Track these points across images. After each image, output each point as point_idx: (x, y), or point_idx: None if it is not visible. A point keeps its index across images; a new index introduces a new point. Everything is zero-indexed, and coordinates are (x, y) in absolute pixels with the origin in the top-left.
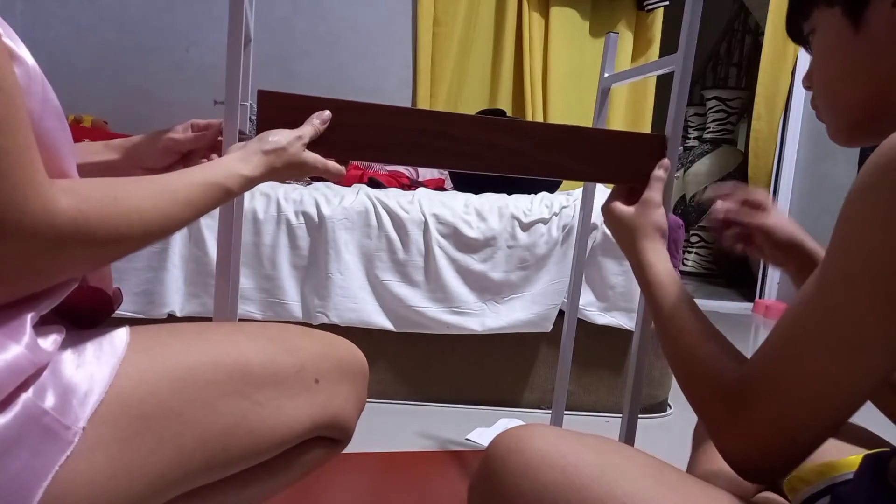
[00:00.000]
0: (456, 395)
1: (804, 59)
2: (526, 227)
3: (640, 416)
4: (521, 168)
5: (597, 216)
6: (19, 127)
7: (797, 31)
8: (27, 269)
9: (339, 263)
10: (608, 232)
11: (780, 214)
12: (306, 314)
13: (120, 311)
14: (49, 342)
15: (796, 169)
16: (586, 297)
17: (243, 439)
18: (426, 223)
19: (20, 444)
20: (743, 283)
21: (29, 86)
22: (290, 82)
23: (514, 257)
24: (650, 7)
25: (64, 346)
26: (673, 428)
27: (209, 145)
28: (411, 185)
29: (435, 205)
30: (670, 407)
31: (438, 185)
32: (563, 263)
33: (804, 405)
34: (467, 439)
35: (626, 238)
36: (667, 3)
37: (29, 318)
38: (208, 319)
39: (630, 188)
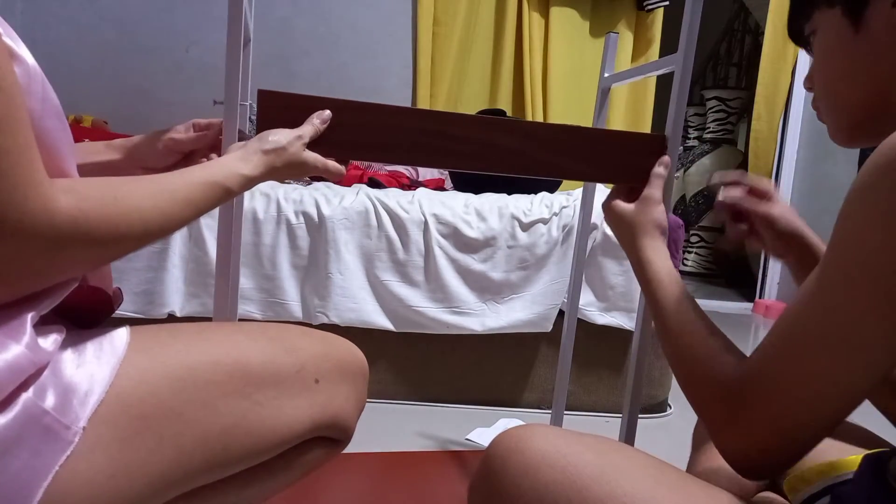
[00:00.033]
0: (456, 395)
1: (804, 59)
2: (526, 227)
3: (640, 416)
4: (522, 168)
5: (597, 216)
6: (19, 126)
7: (798, 32)
8: (27, 269)
9: (339, 263)
10: (608, 232)
11: (784, 205)
12: (306, 314)
13: (120, 311)
14: (49, 342)
15: (796, 169)
16: (586, 297)
17: (243, 439)
18: (426, 223)
19: (20, 444)
20: (743, 283)
21: (29, 85)
22: (290, 82)
23: (514, 257)
24: (650, 7)
25: (64, 345)
26: (673, 428)
27: (210, 145)
28: (411, 185)
29: (435, 205)
30: (670, 407)
31: (438, 185)
32: (563, 263)
33: (804, 404)
34: (467, 439)
35: (626, 235)
36: (667, 3)
37: (29, 318)
38: (208, 319)
39: (631, 187)
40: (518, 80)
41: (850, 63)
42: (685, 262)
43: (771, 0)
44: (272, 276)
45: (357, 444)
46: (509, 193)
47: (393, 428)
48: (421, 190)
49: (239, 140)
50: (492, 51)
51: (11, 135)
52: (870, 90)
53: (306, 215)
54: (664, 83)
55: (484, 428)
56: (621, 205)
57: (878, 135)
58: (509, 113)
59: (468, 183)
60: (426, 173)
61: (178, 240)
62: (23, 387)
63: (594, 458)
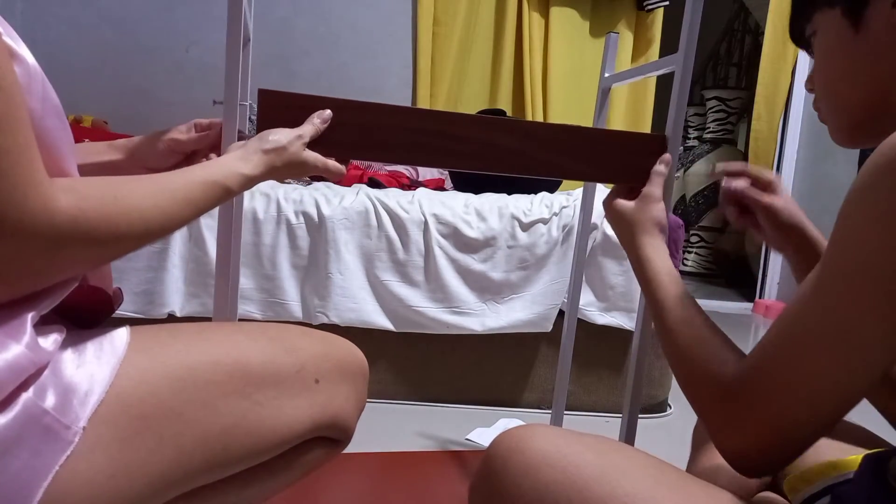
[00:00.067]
0: (456, 395)
1: (804, 59)
2: (526, 227)
3: (640, 416)
4: (522, 168)
5: (597, 216)
6: (19, 126)
7: (799, 33)
8: (27, 268)
9: (339, 263)
10: (608, 232)
11: (787, 197)
12: (306, 314)
13: (120, 311)
14: (49, 342)
15: (796, 169)
16: (586, 297)
17: (243, 439)
18: (426, 223)
19: (20, 444)
20: (743, 283)
21: (29, 84)
22: (291, 82)
23: (514, 257)
24: (650, 7)
25: (64, 345)
26: (673, 428)
27: (212, 145)
28: (411, 185)
29: (435, 205)
30: (670, 407)
31: (438, 185)
32: (563, 263)
33: (803, 403)
34: (467, 439)
35: (626, 233)
36: (667, 3)
37: (29, 318)
38: (208, 319)
39: (631, 186)
40: (518, 80)
41: (851, 63)
42: (685, 262)
43: (771, 0)
44: (272, 276)
45: (357, 444)
46: (509, 193)
47: (393, 428)
48: (421, 190)
49: (239, 140)
50: (492, 51)
51: (11, 134)
52: (870, 90)
53: (306, 215)
54: (664, 83)
55: (484, 428)
56: (621, 202)
57: (878, 135)
58: (509, 113)
59: (468, 183)
60: (426, 173)
61: (178, 240)
62: (23, 387)
63: (595, 458)
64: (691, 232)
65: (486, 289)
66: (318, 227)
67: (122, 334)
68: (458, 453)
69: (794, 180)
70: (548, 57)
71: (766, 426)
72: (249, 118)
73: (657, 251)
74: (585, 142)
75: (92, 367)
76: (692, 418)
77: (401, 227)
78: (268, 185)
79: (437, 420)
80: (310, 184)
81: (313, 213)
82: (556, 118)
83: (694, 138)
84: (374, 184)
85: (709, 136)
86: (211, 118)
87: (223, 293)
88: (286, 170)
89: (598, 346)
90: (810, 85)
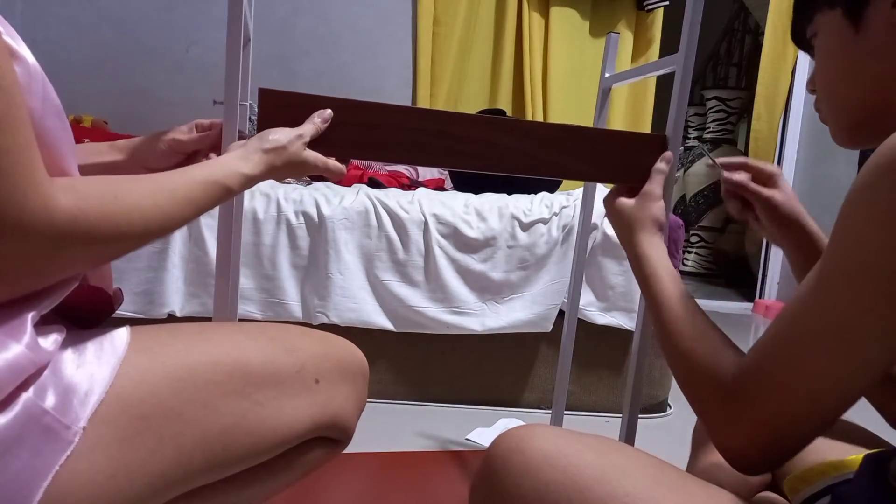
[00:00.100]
0: (456, 395)
1: (804, 59)
2: (526, 227)
3: (640, 416)
4: (522, 168)
5: (597, 216)
6: (19, 125)
7: (801, 35)
8: (27, 268)
9: (339, 263)
10: (609, 232)
11: (788, 191)
12: (306, 314)
13: (120, 311)
14: (49, 342)
15: (796, 169)
16: (586, 297)
17: (243, 439)
18: (426, 223)
19: (21, 444)
20: (743, 283)
21: (29, 84)
22: (291, 82)
23: (514, 257)
24: (650, 7)
25: (64, 345)
26: (673, 428)
27: (212, 145)
28: (411, 185)
29: (435, 205)
30: (670, 407)
31: (438, 185)
32: (563, 263)
33: (801, 402)
34: (467, 439)
35: (625, 231)
36: (667, 3)
37: (30, 318)
38: (208, 319)
39: (632, 186)
40: (518, 80)
41: (851, 63)
42: (685, 262)
43: (771, 0)
44: (272, 276)
45: (357, 444)
46: (509, 193)
47: (393, 428)
48: (421, 190)
49: (239, 140)
50: (492, 51)
51: (11, 134)
52: (870, 90)
53: (306, 215)
54: (664, 83)
55: (484, 428)
56: (621, 200)
57: (879, 135)
58: (509, 113)
59: (468, 183)
60: (426, 173)
61: (178, 240)
62: (23, 386)
63: (595, 458)
64: (691, 232)
65: (486, 289)
66: (318, 227)
67: (122, 334)
68: (458, 453)
69: (794, 180)
70: (548, 57)
71: (765, 425)
72: (249, 118)
73: (655, 249)
74: (586, 142)
75: (92, 367)
76: (692, 418)
77: (401, 227)
78: (268, 185)
79: (437, 420)
80: (310, 184)
81: (313, 213)
82: (556, 118)
83: (694, 138)
84: (374, 184)
85: (709, 136)
86: (212, 119)
87: (223, 293)
88: (286, 169)
89: (598, 346)
90: (812, 86)
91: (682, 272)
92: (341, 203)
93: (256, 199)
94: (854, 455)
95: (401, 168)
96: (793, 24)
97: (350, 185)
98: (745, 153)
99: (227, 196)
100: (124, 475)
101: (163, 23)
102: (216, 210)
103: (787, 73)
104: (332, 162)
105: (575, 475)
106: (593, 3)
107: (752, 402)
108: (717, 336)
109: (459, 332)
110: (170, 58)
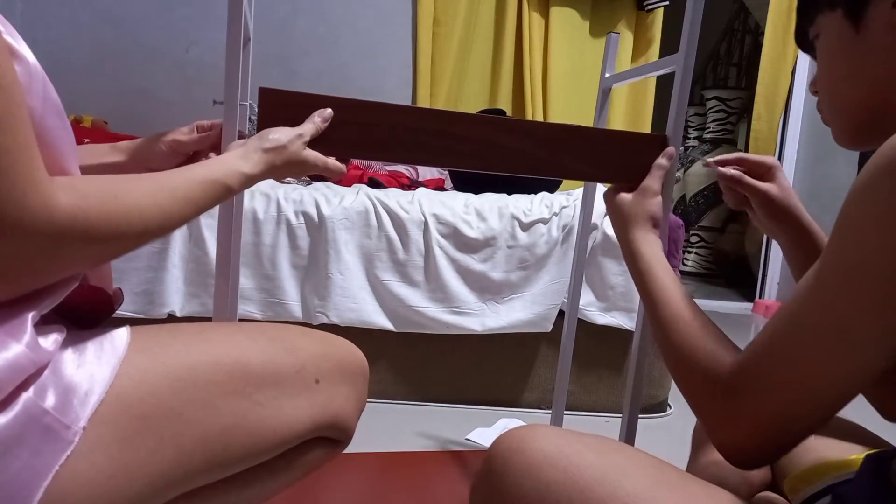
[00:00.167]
0: (456, 395)
1: (804, 60)
2: (526, 227)
3: (640, 416)
4: (522, 167)
5: (597, 216)
6: (19, 124)
7: (804, 37)
8: (27, 267)
9: (339, 263)
10: (608, 232)
11: (784, 184)
12: (306, 314)
13: (120, 311)
14: (50, 341)
15: (796, 169)
16: (586, 297)
17: (243, 439)
18: (426, 223)
19: (21, 444)
20: (743, 283)
21: (30, 83)
22: (291, 82)
23: (514, 257)
24: (650, 7)
25: (65, 345)
26: (673, 428)
27: (213, 145)
28: (411, 185)
29: (435, 205)
30: (670, 407)
31: (438, 185)
32: (563, 263)
33: (799, 399)
34: (467, 439)
35: (621, 226)
36: (667, 3)
37: (30, 318)
38: (208, 319)
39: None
40: (518, 80)
41: (852, 64)
42: (685, 262)
43: (771, 0)
44: (272, 276)
45: (357, 444)
46: (509, 193)
47: (393, 428)
48: (421, 190)
49: (239, 140)
50: (492, 51)
51: (11, 133)
52: (871, 91)
53: (306, 215)
54: (664, 83)
55: (484, 428)
56: (620, 195)
57: (881, 136)
58: (509, 113)
59: (468, 183)
60: (426, 173)
61: (178, 240)
62: (23, 386)
63: (596, 458)
64: (691, 232)
65: (486, 289)
66: (318, 227)
67: (122, 334)
68: (458, 453)
69: (794, 180)
70: (548, 57)
71: (762, 421)
72: (249, 118)
73: (650, 246)
74: (586, 141)
75: (92, 367)
76: (692, 418)
77: (401, 227)
78: (268, 185)
79: (437, 420)
80: (310, 184)
81: (313, 213)
82: (556, 118)
83: (694, 138)
84: (374, 184)
85: (709, 136)
86: (212, 119)
87: (223, 293)
88: (286, 168)
89: (598, 346)
90: (814, 87)
91: (682, 272)
92: (341, 203)
93: (256, 199)
94: (854, 455)
95: (401, 168)
96: (796, 26)
97: (350, 185)
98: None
99: (227, 195)
100: (124, 475)
101: (163, 23)
102: (216, 210)
103: (787, 73)
104: (332, 161)
105: (576, 475)
106: (593, 3)
107: (749, 398)
108: (714, 332)
109: (459, 332)
110: (170, 58)
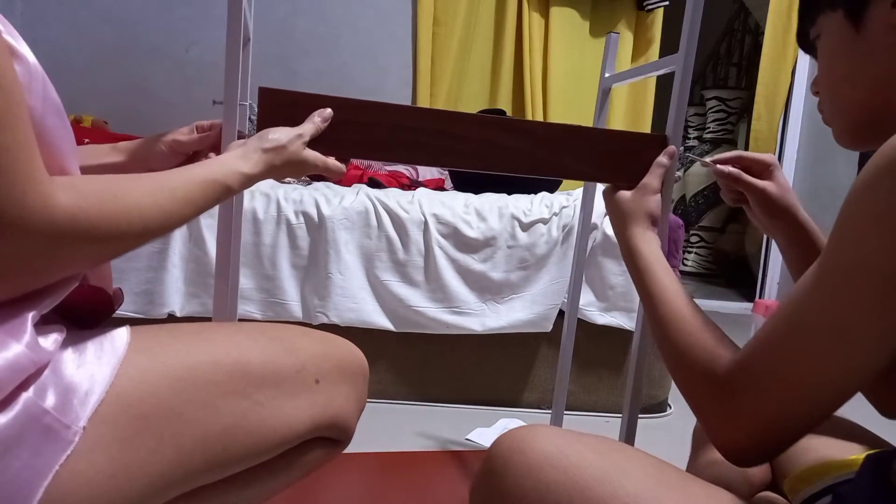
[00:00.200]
0: (456, 395)
1: (804, 60)
2: (526, 227)
3: (640, 416)
4: (522, 167)
5: (597, 216)
6: (19, 124)
7: (805, 38)
8: (27, 266)
9: (339, 263)
10: (608, 232)
11: (783, 182)
12: (306, 314)
13: (120, 311)
14: (50, 341)
15: (796, 169)
16: (586, 297)
17: (243, 439)
18: (426, 223)
19: (21, 444)
20: (743, 283)
21: (30, 83)
22: (291, 82)
23: (514, 257)
24: (650, 7)
25: (65, 345)
26: (673, 428)
27: (213, 145)
28: (411, 185)
29: (435, 205)
30: (670, 407)
31: (438, 185)
32: (563, 263)
33: (797, 398)
34: (467, 439)
35: (620, 223)
36: (667, 3)
37: (30, 317)
38: (208, 319)
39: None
40: (518, 80)
41: (852, 64)
42: (685, 262)
43: (771, 0)
44: (272, 276)
45: (357, 444)
46: (509, 193)
47: (393, 428)
48: (421, 190)
49: (238, 140)
50: (492, 51)
51: (11, 132)
52: (871, 91)
53: (306, 215)
54: (664, 83)
55: (484, 428)
56: (619, 192)
57: (882, 136)
58: (509, 113)
59: (468, 183)
60: (426, 173)
61: (178, 240)
62: (23, 386)
63: (596, 458)
64: (691, 232)
65: (486, 289)
66: (318, 227)
67: (122, 334)
68: (458, 453)
69: (794, 180)
70: (548, 57)
71: (761, 419)
72: (249, 118)
73: (648, 243)
74: (586, 141)
75: (92, 367)
76: (692, 418)
77: (401, 227)
78: (268, 185)
79: (437, 420)
80: (310, 184)
81: (313, 213)
82: (556, 118)
83: (694, 138)
84: (374, 184)
85: (709, 136)
86: (212, 119)
87: (223, 293)
88: (286, 168)
89: (598, 346)
90: (815, 88)
91: (682, 272)
92: (341, 203)
93: (256, 199)
94: (854, 455)
95: (401, 168)
96: (798, 27)
97: (350, 185)
98: None
99: (226, 195)
100: (124, 475)
101: (163, 23)
102: (216, 210)
103: (787, 73)
104: (332, 161)
105: (576, 475)
106: (593, 3)
107: (748, 396)
108: (712, 330)
109: (459, 332)
110: (170, 58)
